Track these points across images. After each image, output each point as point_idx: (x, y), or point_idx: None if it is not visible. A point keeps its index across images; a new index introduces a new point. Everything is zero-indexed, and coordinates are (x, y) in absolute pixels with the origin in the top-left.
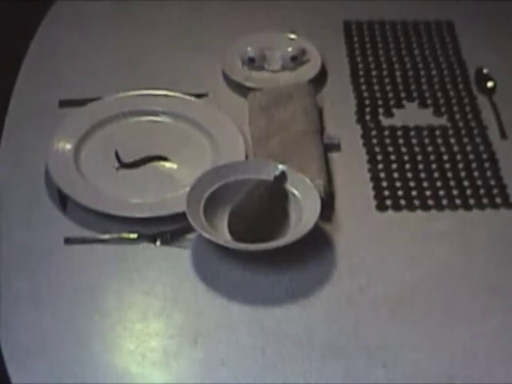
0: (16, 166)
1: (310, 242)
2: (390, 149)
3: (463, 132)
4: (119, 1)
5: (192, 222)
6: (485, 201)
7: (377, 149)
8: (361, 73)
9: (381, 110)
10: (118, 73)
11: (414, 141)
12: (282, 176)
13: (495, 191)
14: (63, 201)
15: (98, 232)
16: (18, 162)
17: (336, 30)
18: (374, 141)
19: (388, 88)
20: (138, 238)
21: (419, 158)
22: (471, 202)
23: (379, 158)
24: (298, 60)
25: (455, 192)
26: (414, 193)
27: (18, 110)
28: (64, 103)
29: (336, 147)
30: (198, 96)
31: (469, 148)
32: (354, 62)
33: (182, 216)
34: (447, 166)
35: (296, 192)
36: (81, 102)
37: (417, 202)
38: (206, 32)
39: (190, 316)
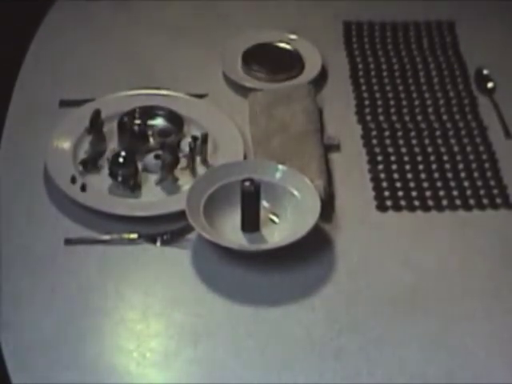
0: (16, 165)
1: (310, 242)
2: (391, 149)
3: (463, 132)
4: (119, 1)
5: (192, 222)
6: (485, 201)
7: (377, 149)
8: (361, 73)
9: (380, 110)
10: (118, 73)
11: (414, 141)
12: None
13: (495, 192)
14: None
15: (98, 232)
16: (19, 162)
17: (336, 30)
18: (375, 141)
19: (388, 88)
20: (138, 238)
21: (419, 158)
22: (471, 202)
23: (379, 158)
24: None
25: (455, 192)
26: (414, 193)
27: (18, 109)
28: (64, 103)
29: (336, 147)
30: (198, 96)
31: (469, 148)
32: (354, 62)
33: (181, 216)
34: (447, 166)
35: (296, 192)
36: (81, 102)
37: (417, 203)
38: (205, 32)
39: (190, 316)
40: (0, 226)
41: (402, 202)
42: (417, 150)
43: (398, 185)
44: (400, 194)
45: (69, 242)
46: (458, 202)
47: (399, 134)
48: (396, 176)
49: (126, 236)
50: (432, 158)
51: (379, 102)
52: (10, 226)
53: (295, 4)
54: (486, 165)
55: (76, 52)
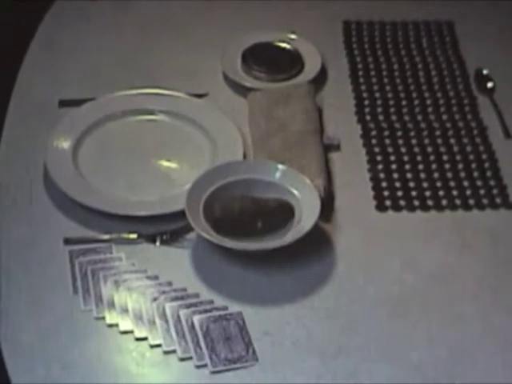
0: (16, 165)
1: (310, 242)
2: (390, 149)
3: (463, 132)
4: (119, 0)
5: (192, 221)
6: (484, 201)
7: (377, 149)
8: (360, 73)
9: (380, 110)
10: (118, 72)
11: (413, 141)
12: None
13: (495, 191)
14: None
15: (98, 232)
16: (18, 162)
17: (336, 30)
18: (374, 141)
19: (388, 88)
20: (138, 237)
21: (419, 158)
22: (471, 202)
23: (379, 158)
24: None
25: (455, 192)
26: (413, 193)
27: (18, 109)
28: (64, 103)
29: (336, 147)
30: (198, 96)
31: (469, 148)
32: (354, 62)
33: (181, 216)
34: (447, 166)
35: (296, 192)
36: (80, 102)
37: (416, 203)
38: (206, 32)
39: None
40: (0, 225)
41: (402, 202)
42: (416, 149)
43: (398, 184)
44: (399, 193)
45: (68, 241)
46: (457, 201)
47: (399, 133)
48: (395, 176)
49: (125, 236)
50: (432, 157)
51: (379, 102)
52: (10, 225)
53: (295, 4)
54: (486, 165)
55: (76, 52)
